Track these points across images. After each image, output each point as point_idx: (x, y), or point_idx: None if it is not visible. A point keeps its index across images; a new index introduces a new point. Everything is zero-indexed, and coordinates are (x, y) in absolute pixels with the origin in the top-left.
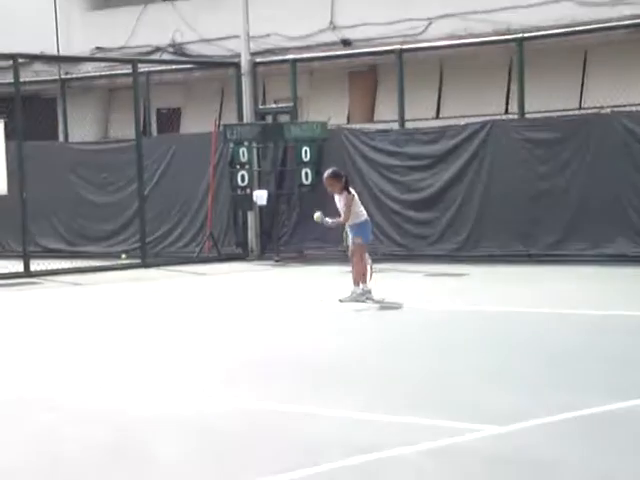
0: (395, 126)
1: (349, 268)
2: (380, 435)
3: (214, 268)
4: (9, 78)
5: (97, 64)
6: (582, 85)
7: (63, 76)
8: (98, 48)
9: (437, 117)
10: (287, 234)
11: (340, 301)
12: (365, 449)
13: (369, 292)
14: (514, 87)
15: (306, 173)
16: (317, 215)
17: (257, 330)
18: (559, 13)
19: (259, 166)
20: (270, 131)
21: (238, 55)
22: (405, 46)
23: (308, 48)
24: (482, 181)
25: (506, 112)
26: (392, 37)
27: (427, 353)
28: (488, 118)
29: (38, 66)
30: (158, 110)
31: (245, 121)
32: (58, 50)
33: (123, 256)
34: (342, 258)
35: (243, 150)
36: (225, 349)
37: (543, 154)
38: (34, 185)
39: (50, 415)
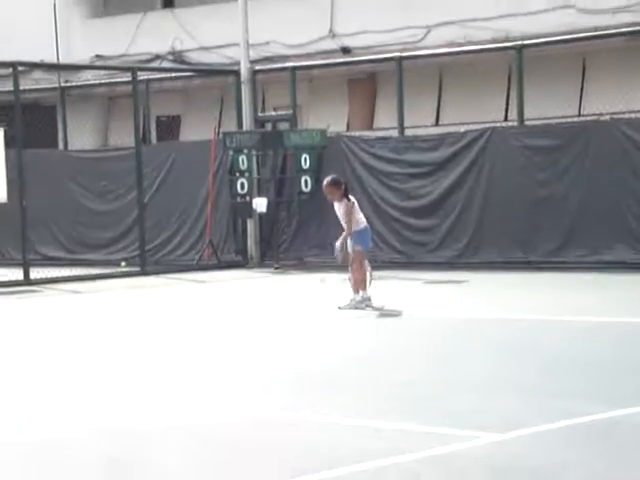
0: (394, 133)
1: (347, 275)
2: (378, 442)
3: (214, 276)
4: (9, 86)
5: (97, 72)
6: (581, 92)
7: (63, 84)
8: (98, 56)
9: (436, 124)
10: (287, 241)
11: (339, 308)
12: (362, 457)
13: (368, 299)
14: (513, 94)
15: (305, 181)
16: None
17: (256, 338)
18: (558, 20)
19: (259, 174)
20: (270, 139)
21: (238, 63)
22: (404, 54)
23: (308, 56)
24: (481, 188)
25: (505, 119)
26: (391, 45)
27: (426, 360)
28: (487, 125)
29: (38, 74)
30: (158, 118)
31: (245, 129)
32: (58, 58)
33: (123, 264)
34: (342, 265)
35: (243, 158)
36: (224, 358)
37: (542, 161)
38: (34, 193)
39: (52, 426)
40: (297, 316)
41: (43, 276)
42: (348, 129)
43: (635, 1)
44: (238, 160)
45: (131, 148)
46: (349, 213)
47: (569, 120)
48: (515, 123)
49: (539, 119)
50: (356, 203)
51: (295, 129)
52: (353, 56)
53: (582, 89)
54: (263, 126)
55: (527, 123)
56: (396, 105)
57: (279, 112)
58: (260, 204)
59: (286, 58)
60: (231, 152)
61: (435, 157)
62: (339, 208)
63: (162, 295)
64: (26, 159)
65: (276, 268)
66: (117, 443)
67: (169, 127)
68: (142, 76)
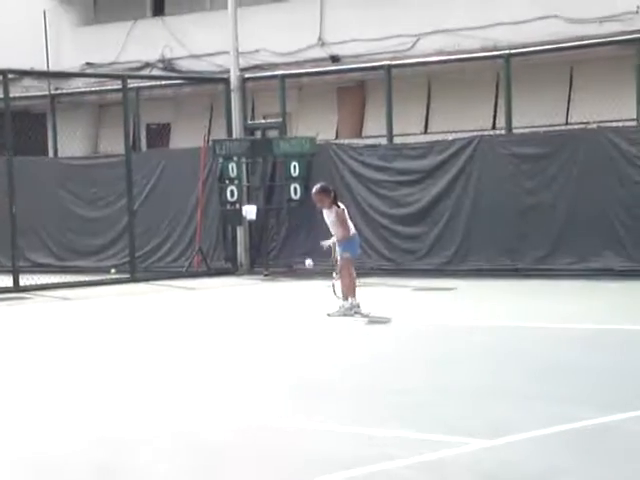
0: (383, 141)
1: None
2: (368, 449)
3: (203, 283)
4: None
5: (87, 80)
6: (568, 100)
7: (53, 92)
8: (88, 64)
9: (425, 132)
10: (276, 249)
11: (329, 315)
12: (353, 463)
13: (357, 306)
14: (501, 102)
15: (295, 188)
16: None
17: (248, 346)
18: (546, 30)
19: (248, 181)
20: (259, 146)
21: (227, 71)
22: (393, 62)
23: (297, 64)
24: (470, 196)
25: (493, 127)
26: (380, 53)
27: (415, 367)
28: (476, 133)
29: (28, 82)
30: (148, 125)
31: (234, 136)
32: (48, 66)
33: (112, 271)
34: (331, 273)
35: (232, 165)
36: (217, 365)
37: (530, 169)
38: (24, 200)
39: (41, 433)
40: (287, 323)
41: (33, 283)
42: (337, 137)
43: (621, 10)
44: (228, 168)
45: (121, 155)
46: (341, 219)
47: (557, 128)
48: (503, 131)
49: (527, 127)
50: (345, 210)
51: (284, 137)
52: (342, 64)
53: (569, 97)
54: (253, 134)
55: (515, 131)
56: (385, 113)
57: (269, 120)
58: (250, 211)
59: (276, 66)
60: (221, 160)
61: (424, 165)
62: (328, 215)
63: (152, 302)
64: (16, 166)
65: (266, 275)
66: (109, 451)
67: (159, 134)
68: (132, 84)
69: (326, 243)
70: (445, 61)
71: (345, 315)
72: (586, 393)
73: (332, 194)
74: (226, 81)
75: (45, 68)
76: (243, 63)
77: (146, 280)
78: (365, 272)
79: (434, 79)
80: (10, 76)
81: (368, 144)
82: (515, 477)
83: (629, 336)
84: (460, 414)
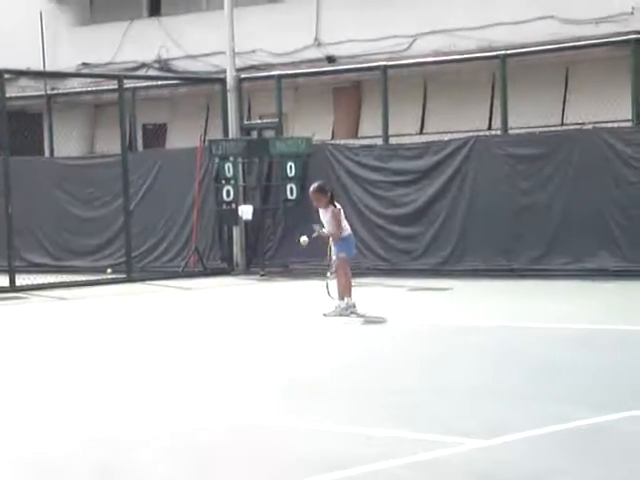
0: (379, 142)
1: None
2: (363, 449)
3: (199, 283)
4: None
5: (83, 80)
6: (564, 101)
7: (49, 92)
8: (84, 64)
9: (421, 133)
10: (272, 249)
11: (325, 315)
12: (348, 463)
13: (353, 306)
14: (497, 103)
15: (291, 188)
16: (304, 239)
17: (244, 345)
18: (542, 30)
19: (244, 181)
20: (255, 146)
21: (224, 71)
22: (389, 63)
23: (293, 64)
24: (465, 196)
25: (489, 128)
26: (376, 54)
27: (410, 367)
28: (471, 134)
29: (24, 82)
30: (144, 126)
31: (230, 136)
32: (44, 66)
33: (109, 270)
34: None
35: (228, 165)
36: (213, 365)
37: (526, 169)
38: (20, 200)
39: (38, 434)
40: (283, 323)
41: (29, 283)
42: (333, 137)
43: (617, 11)
44: (224, 168)
45: (117, 155)
46: (337, 218)
47: (552, 129)
48: (499, 132)
49: (523, 128)
50: (342, 210)
51: (281, 137)
52: (338, 65)
53: (565, 98)
54: (249, 134)
55: (511, 132)
56: (381, 114)
57: (265, 120)
58: (246, 211)
59: (272, 66)
60: (217, 160)
61: (419, 165)
62: (325, 215)
63: (148, 302)
64: (12, 166)
65: (262, 275)
66: (107, 452)
67: (155, 135)
68: (128, 84)
69: (318, 227)
70: (441, 62)
71: (341, 315)
72: (581, 393)
73: (329, 194)
74: (222, 81)
75: (41, 68)
76: (239, 63)
77: (142, 280)
78: (361, 272)
79: (430, 80)
80: (6, 76)
81: (364, 144)
82: (510, 477)
83: (624, 336)
84: (456, 414)
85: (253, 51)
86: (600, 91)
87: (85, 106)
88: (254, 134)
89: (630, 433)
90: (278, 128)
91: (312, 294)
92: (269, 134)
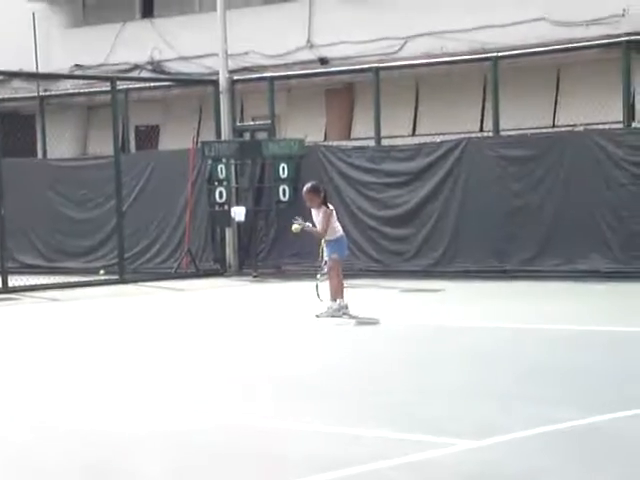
0: (371, 143)
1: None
2: (354, 449)
3: (192, 284)
4: None
5: (76, 81)
6: (555, 103)
7: (42, 93)
8: (77, 65)
9: (413, 134)
10: (265, 250)
11: (317, 316)
12: (339, 464)
13: (345, 307)
14: (489, 105)
15: (283, 190)
16: (296, 227)
17: (236, 346)
18: (533, 32)
19: (237, 183)
20: (248, 148)
21: (216, 73)
22: (381, 64)
23: (286, 66)
24: (457, 198)
25: (481, 130)
26: (369, 56)
27: (402, 368)
28: (463, 136)
29: (17, 83)
30: (137, 127)
31: (223, 138)
32: (37, 67)
33: (101, 272)
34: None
35: (221, 167)
36: (204, 366)
37: (517, 171)
38: (12, 201)
39: (31, 434)
40: (276, 324)
41: (21, 284)
42: (326, 139)
43: (608, 14)
44: (217, 169)
45: (110, 157)
46: (327, 220)
47: (544, 131)
48: (490, 133)
49: (514, 130)
50: (334, 211)
51: (273, 139)
52: (331, 67)
53: (556, 100)
54: (241, 135)
55: (502, 133)
56: (373, 115)
57: (257, 122)
58: (238, 213)
59: (264, 68)
60: (210, 161)
61: (411, 167)
62: (317, 215)
63: (141, 303)
64: (5, 168)
65: (254, 276)
66: (96, 450)
67: (148, 136)
68: (121, 86)
69: (300, 220)
70: (433, 64)
71: (333, 316)
72: (571, 394)
73: (322, 194)
74: (215, 83)
75: (34, 70)
76: (232, 65)
77: (135, 281)
78: (353, 273)
79: (422, 81)
80: None
81: (356, 146)
82: (500, 478)
83: (614, 337)
84: (446, 415)
85: (246, 53)
86: (591, 93)
87: (78, 108)
88: (247, 136)
89: (619, 434)
90: (271, 130)
91: (304, 295)
92: (262, 136)
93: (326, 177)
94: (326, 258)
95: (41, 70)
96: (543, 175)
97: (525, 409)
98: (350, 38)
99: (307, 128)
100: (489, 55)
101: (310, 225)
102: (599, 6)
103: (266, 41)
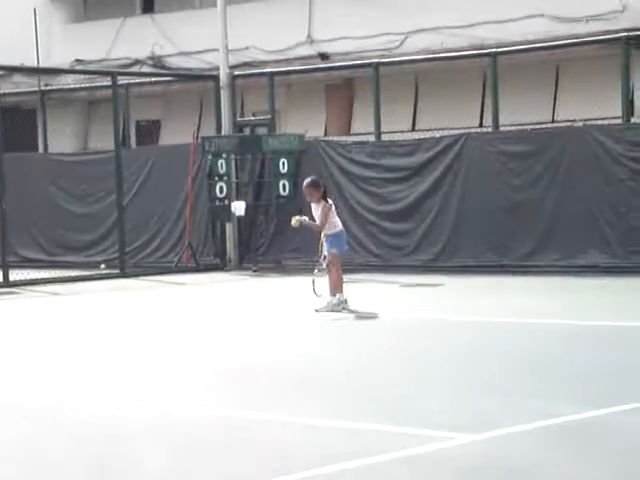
0: (371, 139)
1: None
2: (353, 443)
3: (192, 278)
4: None
5: (77, 76)
6: (555, 99)
7: (43, 88)
8: (78, 60)
9: (413, 130)
10: (265, 245)
11: (316, 311)
12: (338, 457)
13: (345, 302)
14: (488, 101)
15: (283, 185)
16: (295, 221)
17: (234, 340)
18: (532, 28)
19: (237, 177)
20: (248, 143)
21: (217, 68)
22: (381, 60)
23: (286, 61)
24: (457, 193)
25: (480, 125)
26: (369, 51)
27: (401, 362)
28: (463, 131)
29: (18, 78)
30: (137, 122)
31: (223, 133)
32: (38, 62)
33: (102, 266)
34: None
35: (221, 162)
36: (203, 358)
37: (517, 166)
38: (14, 196)
39: (28, 423)
40: (275, 318)
41: (23, 278)
42: (326, 134)
43: (607, 9)
44: (217, 164)
45: (111, 152)
46: (326, 214)
47: (543, 126)
48: (490, 129)
49: (514, 125)
50: (333, 206)
51: (273, 134)
52: (331, 62)
53: (555, 96)
54: (242, 131)
55: (502, 129)
56: (373, 111)
57: (257, 117)
58: (238, 207)
59: (265, 64)
60: (210, 156)
61: (411, 162)
62: (316, 209)
63: (142, 297)
64: (6, 162)
65: (254, 271)
66: (96, 446)
67: (149, 131)
68: (122, 81)
69: (306, 219)
70: (432, 59)
71: (333, 311)
72: (569, 389)
73: (322, 189)
74: (215, 78)
75: (35, 64)
76: (232, 60)
77: (135, 275)
78: (353, 268)
79: (422, 77)
80: (0, 72)
81: (356, 141)
82: (499, 472)
83: (613, 332)
84: (444, 409)
85: (246, 48)
86: (590, 89)
87: (79, 102)
88: (247, 131)
89: (618, 428)
90: (271, 125)
91: (304, 290)
92: (262, 131)
93: (326, 172)
94: (325, 253)
95: (42, 65)
96: (542, 170)
97: (523, 403)
98: (350, 34)
99: (307, 123)
100: (489, 51)
101: (307, 219)
102: (598, 2)
103: (266, 36)
